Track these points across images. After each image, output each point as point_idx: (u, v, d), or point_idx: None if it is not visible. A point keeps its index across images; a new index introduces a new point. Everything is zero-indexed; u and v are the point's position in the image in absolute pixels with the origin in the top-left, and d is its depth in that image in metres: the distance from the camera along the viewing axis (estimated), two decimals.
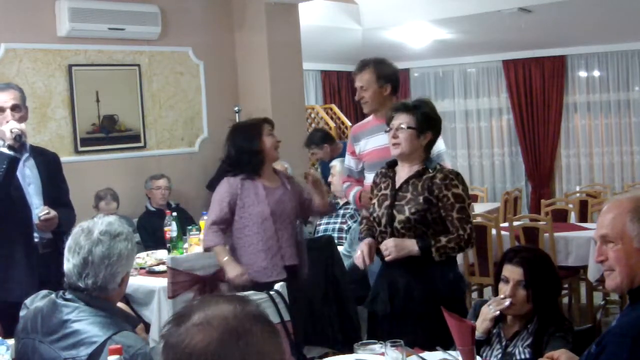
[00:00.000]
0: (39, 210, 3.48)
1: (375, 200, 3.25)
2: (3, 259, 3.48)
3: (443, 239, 3.05)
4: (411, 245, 3.07)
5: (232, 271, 3.76)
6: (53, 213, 3.45)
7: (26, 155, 3.58)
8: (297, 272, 3.90)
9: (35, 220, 3.48)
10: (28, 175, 3.58)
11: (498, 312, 2.66)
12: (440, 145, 3.82)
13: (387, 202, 3.16)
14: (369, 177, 3.83)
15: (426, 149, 3.18)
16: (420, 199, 3.06)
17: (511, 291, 2.65)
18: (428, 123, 3.15)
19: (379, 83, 3.91)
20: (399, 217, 3.09)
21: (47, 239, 3.51)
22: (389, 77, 3.96)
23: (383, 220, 3.15)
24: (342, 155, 6.30)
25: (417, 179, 3.11)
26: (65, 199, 3.78)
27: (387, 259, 3.11)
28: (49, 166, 3.70)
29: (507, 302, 2.64)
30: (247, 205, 3.84)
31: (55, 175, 3.72)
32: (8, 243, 3.48)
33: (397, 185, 3.17)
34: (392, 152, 3.19)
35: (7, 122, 3.47)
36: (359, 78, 3.93)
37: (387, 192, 3.19)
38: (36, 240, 3.51)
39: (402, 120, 3.14)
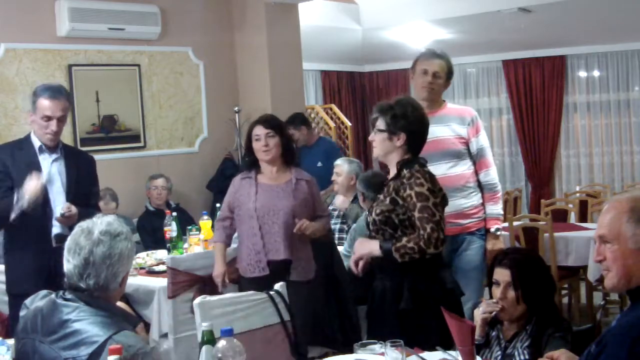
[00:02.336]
0: (62, 206, 3.62)
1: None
2: (14, 252, 3.69)
3: (404, 239, 2.94)
4: (373, 245, 3.03)
5: (214, 270, 4.02)
6: (74, 211, 3.59)
7: (56, 156, 3.75)
8: (287, 268, 3.88)
9: (57, 215, 3.64)
10: (53, 174, 3.72)
11: (487, 315, 2.66)
12: (481, 141, 3.83)
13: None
14: None
15: (407, 149, 3.07)
16: (387, 200, 3.00)
17: (501, 293, 2.66)
18: (397, 124, 3.04)
19: (447, 77, 3.86)
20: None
21: (64, 235, 3.57)
22: (452, 75, 3.91)
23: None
24: (320, 146, 6.32)
25: (394, 181, 3.05)
26: (93, 201, 3.92)
27: (352, 259, 3.12)
28: (80, 168, 3.84)
29: (497, 306, 2.66)
30: (240, 203, 3.97)
31: (85, 177, 3.86)
32: (21, 240, 3.66)
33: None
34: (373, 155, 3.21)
35: (52, 130, 3.64)
36: (436, 64, 3.80)
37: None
38: (53, 233, 3.68)
39: (378, 122, 3.10)
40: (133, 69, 6.01)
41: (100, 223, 2.22)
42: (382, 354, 2.45)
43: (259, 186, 3.95)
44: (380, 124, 3.09)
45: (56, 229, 3.69)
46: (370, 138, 3.17)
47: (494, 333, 2.74)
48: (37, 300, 2.30)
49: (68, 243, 2.23)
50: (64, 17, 5.51)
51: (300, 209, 3.94)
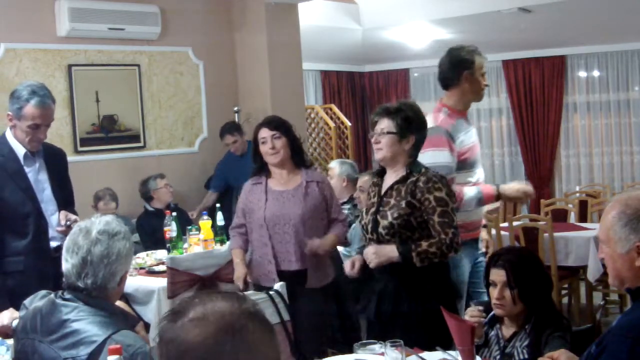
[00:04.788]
0: (61, 217, 3.45)
1: (364, 208, 3.24)
2: (15, 275, 3.43)
3: (424, 244, 2.97)
4: (391, 252, 3.02)
5: (235, 273, 3.82)
6: (78, 219, 3.39)
7: (39, 161, 3.54)
8: (302, 278, 3.74)
9: (57, 228, 3.45)
10: (42, 180, 3.53)
11: (476, 324, 2.65)
12: None
13: (372, 209, 3.13)
14: (463, 177, 3.52)
15: (412, 152, 3.10)
16: (403, 203, 3.00)
17: (498, 293, 2.67)
18: (410, 127, 3.06)
19: None
20: (383, 222, 3.05)
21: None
22: None
23: (369, 227, 3.13)
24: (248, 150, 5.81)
25: (402, 184, 3.05)
26: (73, 199, 3.77)
27: (370, 266, 3.09)
28: (58, 166, 3.66)
29: (481, 316, 2.67)
30: (252, 210, 3.82)
31: (63, 175, 3.68)
32: (21, 257, 3.44)
33: (383, 191, 3.13)
34: (375, 157, 3.18)
35: (40, 138, 3.44)
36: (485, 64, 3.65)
37: (375, 199, 3.17)
38: (54, 245, 3.48)
39: (383, 125, 3.08)
40: (133, 69, 6.01)
41: (98, 223, 2.22)
42: (382, 354, 2.45)
43: (269, 193, 3.78)
44: (390, 125, 3.07)
45: (54, 242, 3.48)
46: (374, 140, 3.12)
47: (493, 332, 2.74)
48: (37, 300, 2.31)
49: (67, 242, 2.23)
50: (64, 17, 5.51)
51: (312, 214, 3.76)
